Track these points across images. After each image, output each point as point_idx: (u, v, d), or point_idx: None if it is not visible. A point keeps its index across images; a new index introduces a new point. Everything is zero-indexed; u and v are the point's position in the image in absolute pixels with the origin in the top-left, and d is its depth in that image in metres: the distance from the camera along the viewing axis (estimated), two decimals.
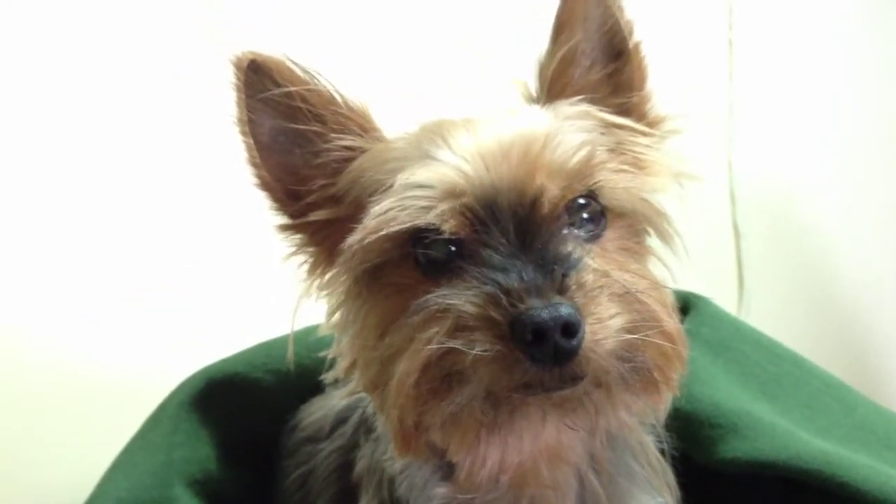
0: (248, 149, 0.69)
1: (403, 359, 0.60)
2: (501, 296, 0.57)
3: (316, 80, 0.68)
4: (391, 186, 0.62)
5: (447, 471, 0.69)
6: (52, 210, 1.13)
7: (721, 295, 1.05)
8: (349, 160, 0.68)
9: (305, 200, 0.69)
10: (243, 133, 0.69)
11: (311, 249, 0.71)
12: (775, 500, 0.86)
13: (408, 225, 0.61)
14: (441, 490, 0.69)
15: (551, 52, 0.70)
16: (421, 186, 0.61)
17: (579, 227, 0.63)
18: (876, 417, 0.90)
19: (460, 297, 0.58)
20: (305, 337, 0.91)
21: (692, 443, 0.84)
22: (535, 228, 0.60)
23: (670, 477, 0.77)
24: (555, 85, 0.70)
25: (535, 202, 0.60)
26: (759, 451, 0.81)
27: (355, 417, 0.80)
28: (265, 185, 0.70)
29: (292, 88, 0.67)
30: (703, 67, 1.46)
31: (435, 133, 0.65)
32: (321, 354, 0.74)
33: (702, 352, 0.91)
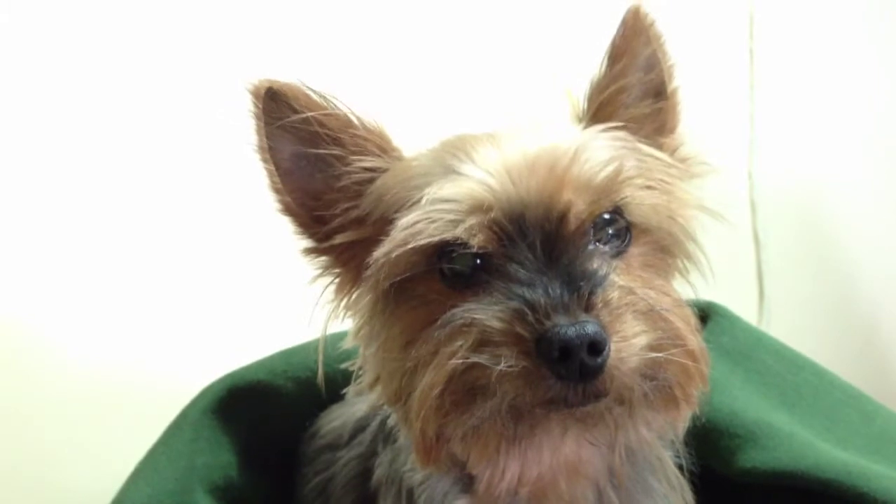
0: (270, 175, 0.70)
1: (428, 371, 0.60)
2: (528, 311, 0.57)
3: (332, 104, 0.69)
4: (418, 201, 0.62)
5: (467, 483, 0.70)
6: (56, 211, 1.15)
7: (742, 305, 1.04)
8: (370, 181, 0.68)
9: (330, 224, 0.69)
10: (264, 160, 0.69)
11: (337, 271, 0.71)
12: None
13: (436, 238, 0.61)
14: (460, 502, 0.70)
15: (605, 77, 0.70)
16: (448, 201, 0.61)
17: (605, 243, 0.63)
18: None
19: (486, 312, 0.58)
20: (327, 345, 0.92)
21: (710, 452, 0.83)
22: (561, 244, 0.60)
23: (688, 493, 0.77)
24: (602, 110, 0.70)
25: (562, 218, 0.60)
26: (777, 461, 0.81)
27: (374, 425, 0.80)
28: (289, 211, 0.71)
29: (310, 114, 0.68)
30: (724, 76, 1.46)
31: (457, 148, 0.65)
32: (343, 366, 0.75)
33: (721, 361, 0.90)
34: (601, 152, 0.63)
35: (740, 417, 0.85)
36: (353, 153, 0.69)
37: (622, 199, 0.63)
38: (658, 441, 0.72)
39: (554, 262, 0.59)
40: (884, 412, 0.91)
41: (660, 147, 0.71)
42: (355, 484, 0.81)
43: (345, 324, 0.73)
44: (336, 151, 0.69)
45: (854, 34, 1.49)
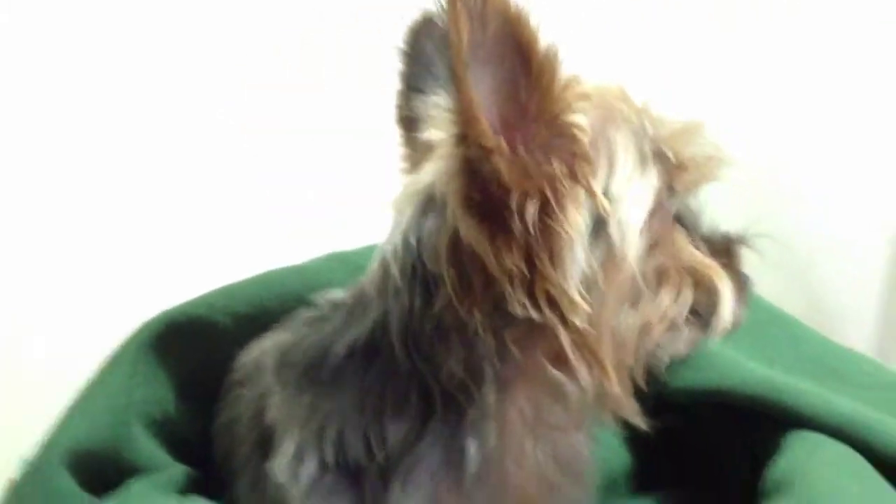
0: (461, 100, 0.54)
1: None
2: None
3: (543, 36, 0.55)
4: None
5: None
6: (55, 209, 1.16)
7: None
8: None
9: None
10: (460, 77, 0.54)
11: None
12: (729, 434, 0.86)
13: None
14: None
15: None
16: None
17: None
18: (823, 350, 0.89)
19: None
20: (270, 280, 0.90)
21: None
22: None
23: None
24: None
25: None
26: (706, 380, 0.81)
27: (270, 363, 0.75)
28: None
29: (521, 39, 0.54)
30: (704, 57, 1.44)
31: None
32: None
33: None
34: None
35: None
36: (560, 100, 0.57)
37: None
38: None
39: None
40: (810, 334, 0.92)
41: None
42: (254, 424, 0.76)
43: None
44: (535, 90, 0.56)
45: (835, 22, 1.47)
